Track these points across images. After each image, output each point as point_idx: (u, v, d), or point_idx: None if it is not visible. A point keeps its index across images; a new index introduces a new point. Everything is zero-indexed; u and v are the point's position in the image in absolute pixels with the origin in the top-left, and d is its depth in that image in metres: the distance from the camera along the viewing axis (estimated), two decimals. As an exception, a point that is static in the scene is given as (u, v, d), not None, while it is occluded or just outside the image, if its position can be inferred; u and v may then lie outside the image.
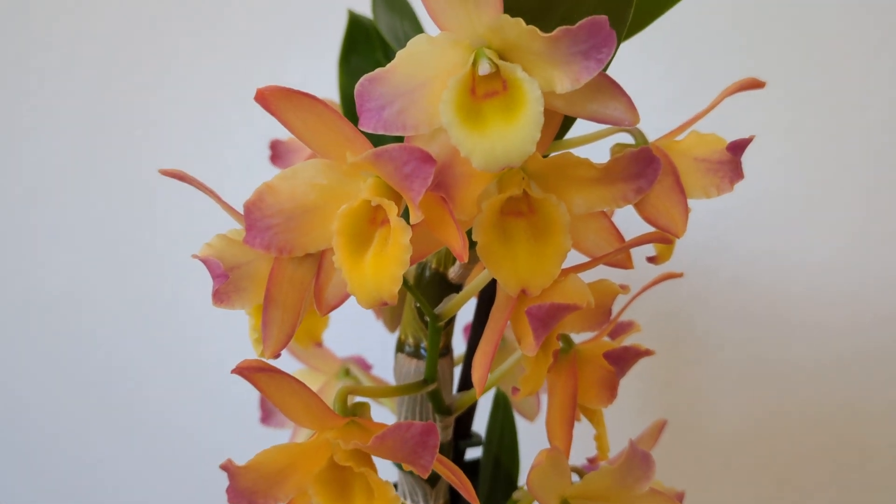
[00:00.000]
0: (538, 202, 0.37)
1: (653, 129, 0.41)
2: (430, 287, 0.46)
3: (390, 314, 0.56)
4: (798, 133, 0.85)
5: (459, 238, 0.33)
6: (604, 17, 0.29)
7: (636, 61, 0.80)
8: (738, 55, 0.82)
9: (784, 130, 0.85)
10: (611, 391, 0.40)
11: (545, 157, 0.37)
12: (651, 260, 0.41)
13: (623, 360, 0.40)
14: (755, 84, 0.40)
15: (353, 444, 0.33)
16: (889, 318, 0.87)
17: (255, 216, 0.36)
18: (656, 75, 0.83)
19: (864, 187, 0.85)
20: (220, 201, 0.39)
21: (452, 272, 0.45)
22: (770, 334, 0.88)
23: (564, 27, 0.29)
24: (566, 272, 0.37)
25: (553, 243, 0.37)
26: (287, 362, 0.57)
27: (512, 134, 0.32)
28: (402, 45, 0.33)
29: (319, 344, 0.55)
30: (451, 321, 0.47)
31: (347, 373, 0.55)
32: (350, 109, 0.53)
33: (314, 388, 0.54)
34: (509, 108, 0.32)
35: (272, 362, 0.37)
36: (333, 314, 0.63)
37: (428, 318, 0.42)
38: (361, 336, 0.72)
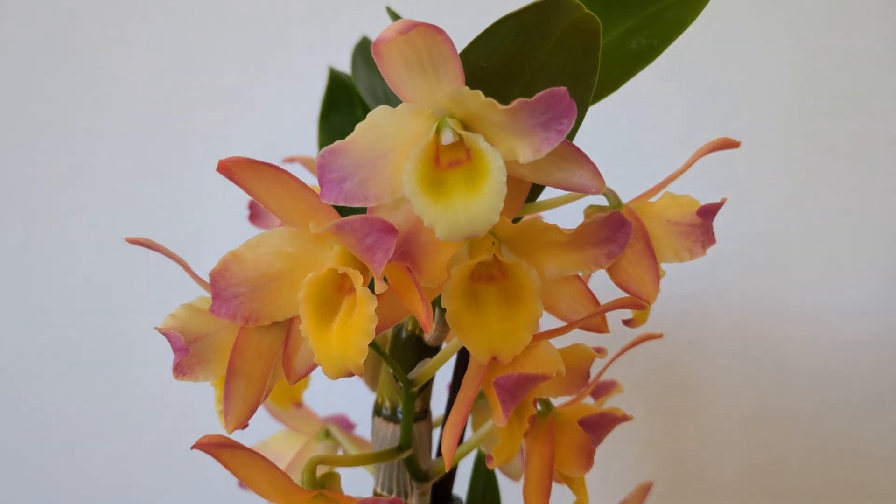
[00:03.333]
0: (509, 267, 0.36)
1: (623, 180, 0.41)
2: (406, 349, 0.45)
3: (371, 373, 0.55)
4: (794, 176, 0.84)
5: (424, 308, 0.33)
6: (563, 89, 0.29)
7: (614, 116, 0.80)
8: (733, 93, 0.83)
9: (779, 174, 0.85)
10: (587, 458, 0.39)
11: (517, 220, 0.37)
12: (627, 323, 0.40)
13: (599, 426, 0.39)
14: (729, 144, 0.40)
15: (317, 523, 0.33)
16: (889, 362, 0.86)
17: (220, 285, 0.35)
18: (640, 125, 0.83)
19: (867, 228, 0.84)
20: (188, 270, 0.38)
21: (428, 336, 0.45)
22: (770, 380, 0.87)
23: (522, 100, 0.29)
24: (538, 338, 0.37)
25: (524, 309, 0.36)
26: (267, 423, 0.56)
27: (475, 203, 0.31)
28: (381, 104, 0.33)
29: (299, 405, 0.54)
30: (427, 384, 0.46)
31: (328, 434, 0.54)
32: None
33: (294, 450, 0.53)
34: (473, 178, 0.32)
35: (237, 435, 0.36)
36: (319, 374, 0.62)
37: (402, 384, 0.41)
38: (348, 391, 0.71)
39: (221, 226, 0.85)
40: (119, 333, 0.89)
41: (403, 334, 0.46)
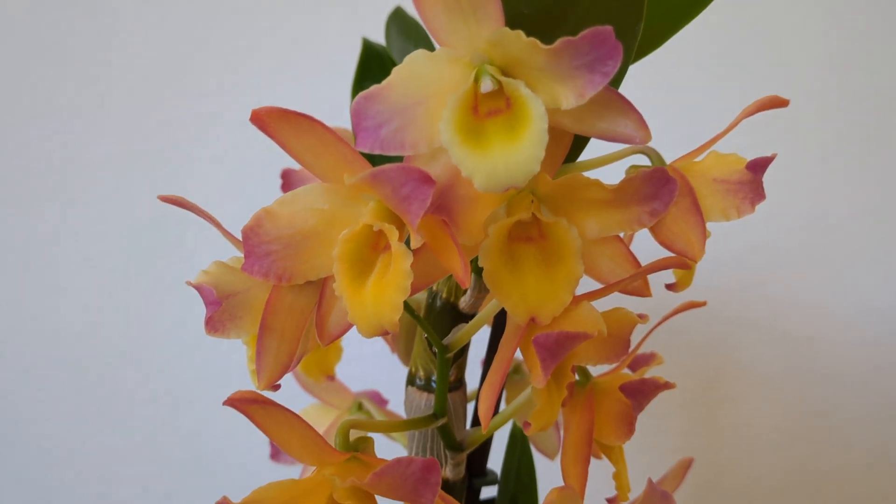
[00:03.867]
0: (548, 226, 0.35)
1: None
2: (441, 317, 0.44)
3: (404, 347, 0.54)
4: (836, 164, 0.82)
5: (461, 263, 0.32)
6: (608, 28, 0.28)
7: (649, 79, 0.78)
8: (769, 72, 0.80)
9: (820, 162, 0.82)
10: (628, 426, 0.38)
11: (555, 179, 0.36)
12: (670, 287, 0.39)
13: (640, 392, 0.38)
14: (778, 102, 0.38)
15: (350, 482, 0.32)
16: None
17: (253, 242, 0.35)
18: (668, 94, 0.81)
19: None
20: (220, 227, 0.37)
21: (463, 301, 0.44)
22: (806, 373, 0.85)
23: (566, 39, 0.28)
24: (578, 300, 0.36)
25: (564, 269, 0.35)
26: (300, 396, 0.56)
27: (515, 153, 0.30)
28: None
29: (332, 377, 0.54)
30: (462, 352, 0.45)
31: (360, 407, 0.54)
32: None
33: (325, 423, 0.52)
34: (512, 126, 0.31)
35: (272, 395, 0.36)
36: (352, 348, 0.61)
37: (436, 350, 0.40)
38: (380, 371, 0.70)
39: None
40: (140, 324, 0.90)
41: (438, 302, 0.45)
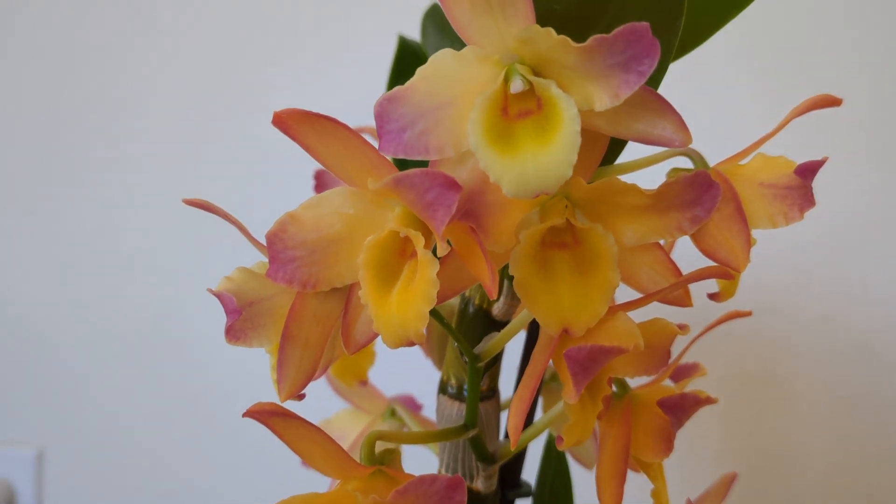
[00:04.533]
0: (583, 233, 0.33)
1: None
2: (474, 324, 0.43)
3: (438, 352, 0.53)
4: (887, 158, 0.79)
5: (489, 272, 0.30)
6: (644, 24, 0.26)
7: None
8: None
9: (871, 156, 0.79)
10: (666, 443, 0.36)
11: (591, 183, 0.34)
12: (713, 297, 0.37)
13: (680, 408, 0.36)
14: (829, 101, 0.36)
15: (372, 500, 0.30)
16: None
17: (277, 248, 0.34)
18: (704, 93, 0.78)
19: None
20: (245, 232, 0.37)
21: (497, 308, 0.42)
22: (860, 374, 0.82)
23: (599, 36, 0.26)
24: (614, 310, 0.34)
25: (599, 278, 0.33)
26: (333, 401, 0.55)
27: (546, 157, 0.28)
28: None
29: (364, 382, 0.53)
30: (495, 361, 0.44)
31: (393, 413, 0.53)
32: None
33: (358, 429, 0.51)
34: (544, 129, 0.29)
35: (294, 405, 0.35)
36: (386, 352, 0.60)
37: (467, 359, 0.39)
38: (415, 371, 0.69)
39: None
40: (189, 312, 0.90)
41: (470, 308, 0.43)
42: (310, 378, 0.33)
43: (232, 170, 0.87)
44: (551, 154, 0.28)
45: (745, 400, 0.84)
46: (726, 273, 0.33)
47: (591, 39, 0.26)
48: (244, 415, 0.31)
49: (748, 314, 0.40)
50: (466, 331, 0.43)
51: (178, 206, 0.37)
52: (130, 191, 0.89)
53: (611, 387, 0.39)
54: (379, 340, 0.51)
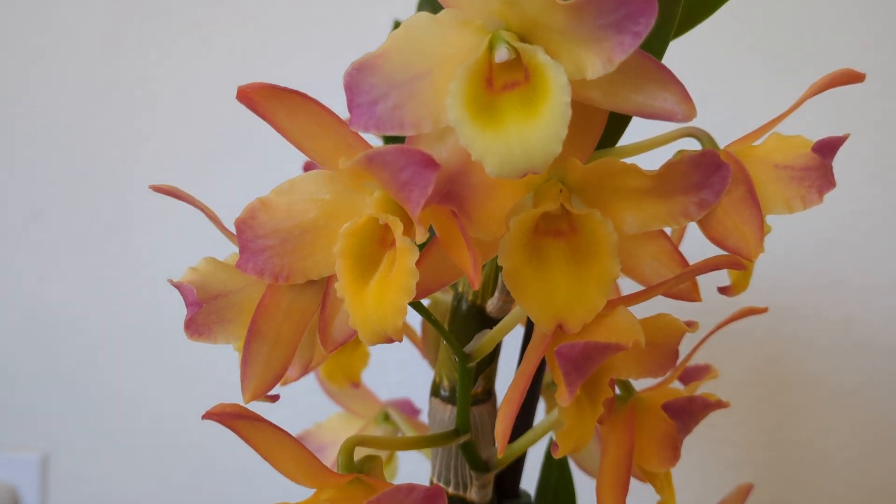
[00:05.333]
0: (579, 219, 0.30)
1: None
2: (467, 321, 0.40)
3: (434, 352, 0.50)
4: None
5: (471, 261, 0.27)
6: (639, -22, 0.23)
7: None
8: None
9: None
10: (672, 450, 0.33)
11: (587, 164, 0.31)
12: (724, 291, 0.34)
13: (687, 412, 0.33)
14: (852, 77, 0.33)
15: (342, 510, 0.28)
16: None
17: (247, 237, 0.31)
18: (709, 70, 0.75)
19: None
20: (216, 222, 0.34)
21: (491, 304, 0.39)
22: (890, 377, 0.78)
23: (588, -9, 0.23)
24: (613, 304, 0.31)
25: (597, 269, 0.30)
26: (324, 404, 0.52)
27: (533, 131, 0.26)
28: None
29: (357, 384, 0.50)
30: (491, 361, 0.41)
31: (387, 418, 0.50)
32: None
33: (350, 433, 0.48)
34: (531, 101, 0.26)
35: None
36: (383, 352, 0.57)
37: (457, 359, 0.36)
38: (414, 373, 0.66)
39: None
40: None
41: (464, 305, 0.40)
42: (279, 377, 0.31)
43: (244, 169, 0.85)
44: (539, 128, 0.25)
45: (765, 405, 0.81)
46: (737, 263, 0.29)
47: (578, -5, 0.23)
48: (204, 416, 0.28)
49: (763, 310, 0.37)
50: (460, 329, 0.40)
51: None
52: (140, 191, 0.87)
53: (613, 389, 0.36)
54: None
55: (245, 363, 0.30)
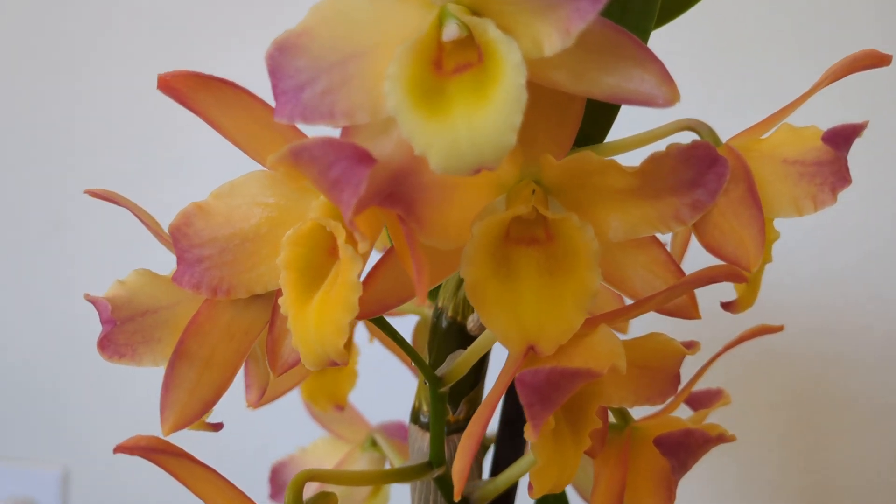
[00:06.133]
0: (556, 224, 0.26)
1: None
2: (447, 340, 0.36)
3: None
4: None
5: (415, 271, 0.23)
6: (598, -70, 0.19)
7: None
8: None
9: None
10: (665, 490, 0.29)
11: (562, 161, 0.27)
12: (727, 307, 0.29)
13: (683, 447, 0.28)
14: (877, 59, 0.28)
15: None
16: None
17: (182, 246, 0.28)
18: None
19: None
20: (153, 229, 0.31)
21: (472, 322, 0.35)
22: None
23: (535, -53, 0.19)
24: (594, 322, 0.27)
25: (574, 281, 0.26)
26: (309, 427, 0.49)
27: (482, 119, 0.22)
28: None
29: (341, 407, 0.46)
30: (476, 384, 0.37)
31: (374, 444, 0.46)
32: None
33: (335, 459, 0.45)
34: (482, 84, 0.22)
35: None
36: (378, 370, 0.54)
37: (428, 383, 0.32)
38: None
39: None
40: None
41: (443, 322, 0.36)
42: (208, 406, 0.27)
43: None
44: (489, 116, 0.22)
45: (803, 426, 0.75)
46: (736, 274, 0.25)
47: (523, -48, 0.20)
48: (115, 450, 0.25)
49: (779, 329, 0.32)
50: (439, 348, 0.36)
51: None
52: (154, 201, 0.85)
53: (605, 418, 0.32)
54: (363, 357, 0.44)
55: (166, 389, 0.26)
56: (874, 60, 0.29)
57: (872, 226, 0.70)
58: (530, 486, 0.28)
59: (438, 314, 0.37)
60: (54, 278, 0.89)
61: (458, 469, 0.26)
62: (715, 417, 0.36)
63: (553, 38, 0.21)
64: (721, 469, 0.77)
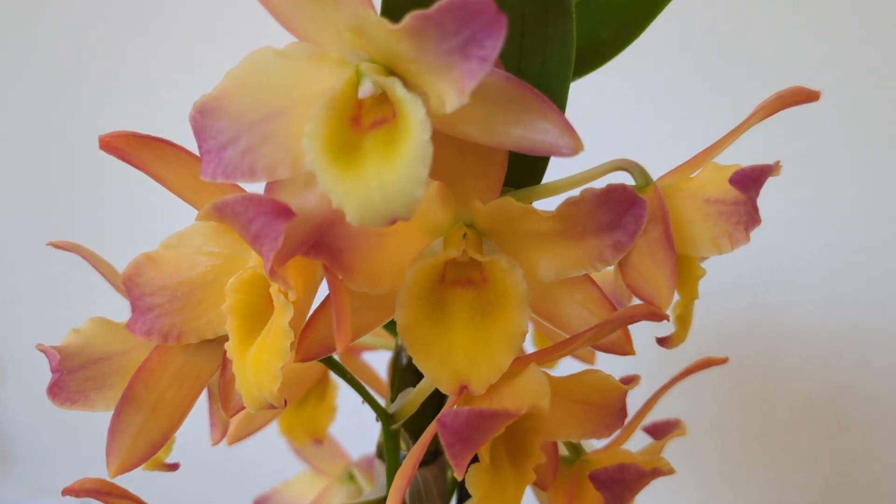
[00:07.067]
0: (488, 267, 0.27)
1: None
2: (407, 376, 0.37)
3: (400, 406, 0.47)
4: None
5: (335, 319, 0.24)
6: (481, -5, 0.20)
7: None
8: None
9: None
10: (605, 528, 0.29)
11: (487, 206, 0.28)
12: (662, 342, 0.30)
13: (617, 482, 0.29)
14: (805, 95, 0.29)
15: None
16: None
17: (134, 294, 0.29)
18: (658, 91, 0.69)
19: None
20: (110, 279, 0.32)
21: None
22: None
23: (420, 13, 0.20)
24: (524, 362, 0.28)
25: (503, 322, 0.27)
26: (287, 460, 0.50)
27: (391, 174, 0.23)
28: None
29: (320, 441, 0.47)
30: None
31: (351, 477, 0.47)
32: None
33: (315, 492, 0.46)
34: (393, 140, 0.23)
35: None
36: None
37: (379, 420, 0.33)
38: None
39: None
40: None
41: (403, 359, 0.37)
42: (155, 449, 0.28)
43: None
44: (397, 170, 0.22)
45: (820, 448, 0.74)
46: (654, 314, 0.26)
47: (409, 18, 0.21)
48: (63, 492, 0.26)
49: (724, 360, 0.33)
50: (400, 384, 0.37)
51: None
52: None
53: (553, 452, 0.32)
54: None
55: (112, 433, 0.27)
56: (802, 97, 0.29)
57: (886, 248, 0.69)
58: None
59: (398, 351, 0.38)
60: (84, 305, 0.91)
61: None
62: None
63: (451, 96, 0.22)
64: (736, 489, 0.76)
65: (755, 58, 0.68)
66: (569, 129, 0.23)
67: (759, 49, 0.67)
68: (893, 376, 0.72)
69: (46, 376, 0.28)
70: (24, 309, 0.88)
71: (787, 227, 0.69)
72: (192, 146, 0.25)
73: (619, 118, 0.68)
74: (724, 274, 0.69)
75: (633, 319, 0.26)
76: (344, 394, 0.50)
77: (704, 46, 0.69)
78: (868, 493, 0.74)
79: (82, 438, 0.89)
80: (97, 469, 0.29)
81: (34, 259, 0.87)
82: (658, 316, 0.26)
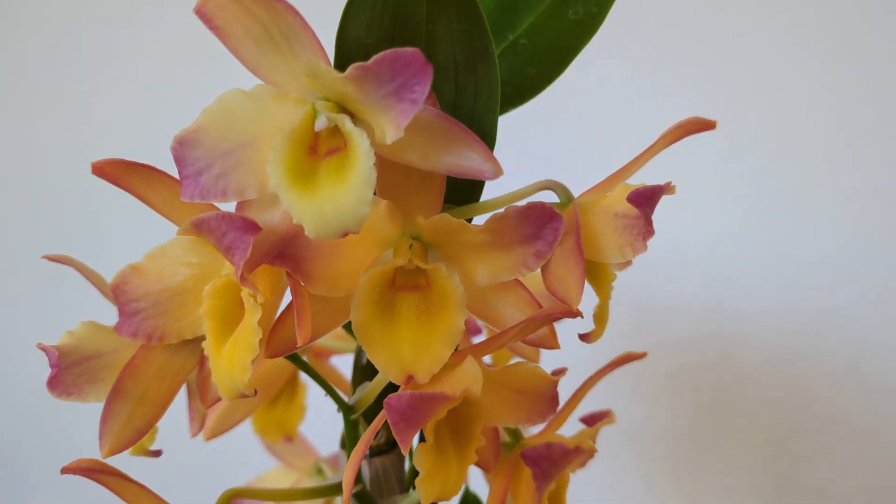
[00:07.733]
0: (431, 273, 0.32)
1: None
2: (366, 373, 0.41)
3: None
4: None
5: (297, 318, 0.29)
6: (412, 50, 0.25)
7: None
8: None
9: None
10: (532, 497, 0.33)
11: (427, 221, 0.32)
12: (583, 338, 0.34)
13: (545, 459, 0.33)
14: (703, 125, 0.34)
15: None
16: None
17: (121, 300, 0.33)
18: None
19: None
20: (101, 288, 0.36)
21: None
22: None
23: (359, 65, 0.25)
24: (462, 354, 0.32)
25: (443, 321, 0.31)
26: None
27: (342, 195, 0.27)
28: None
29: (291, 438, 0.51)
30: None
31: (319, 471, 0.51)
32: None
33: (283, 487, 0.50)
34: (343, 166, 0.28)
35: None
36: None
37: (340, 411, 0.37)
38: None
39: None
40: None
41: (363, 358, 0.42)
42: (141, 434, 0.32)
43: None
44: (346, 192, 0.27)
45: (773, 449, 0.78)
46: (569, 313, 0.30)
47: (352, 68, 0.25)
48: (62, 471, 0.30)
49: (642, 356, 0.37)
50: (360, 380, 0.42)
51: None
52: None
53: (494, 436, 0.37)
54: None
55: (104, 421, 0.31)
56: (700, 126, 0.34)
57: (839, 256, 0.73)
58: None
59: (359, 352, 0.42)
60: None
61: (346, 480, 0.31)
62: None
63: (390, 130, 0.26)
64: (696, 495, 0.79)
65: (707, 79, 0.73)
66: (489, 157, 0.28)
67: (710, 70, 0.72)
68: (842, 380, 0.76)
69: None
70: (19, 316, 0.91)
71: (742, 240, 0.72)
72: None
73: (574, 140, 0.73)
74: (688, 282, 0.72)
75: (553, 317, 0.30)
76: (313, 394, 0.54)
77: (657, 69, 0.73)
78: (822, 495, 0.78)
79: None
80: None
81: (29, 267, 0.89)
82: (573, 314, 0.30)
